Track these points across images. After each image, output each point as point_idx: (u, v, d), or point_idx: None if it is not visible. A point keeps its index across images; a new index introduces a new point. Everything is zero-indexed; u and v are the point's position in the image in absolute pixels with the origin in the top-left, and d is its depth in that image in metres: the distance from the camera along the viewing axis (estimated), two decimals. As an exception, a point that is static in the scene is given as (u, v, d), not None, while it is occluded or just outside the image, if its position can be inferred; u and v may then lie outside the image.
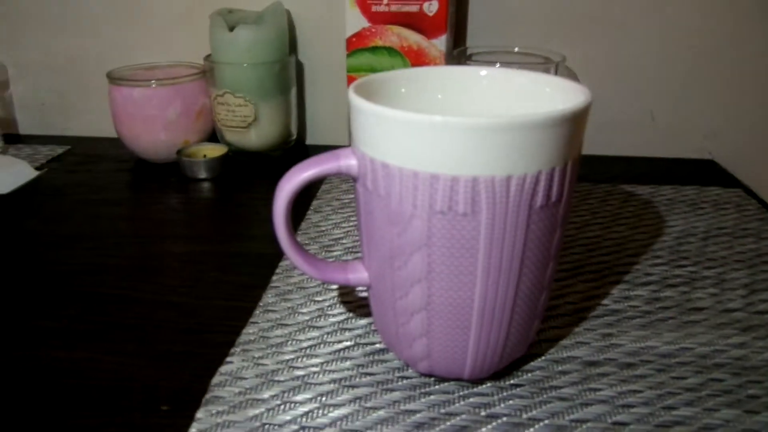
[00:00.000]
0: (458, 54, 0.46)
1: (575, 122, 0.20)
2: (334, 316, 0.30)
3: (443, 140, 0.19)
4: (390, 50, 0.44)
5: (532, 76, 0.26)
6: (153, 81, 0.47)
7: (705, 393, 0.25)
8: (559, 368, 0.27)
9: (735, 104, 0.51)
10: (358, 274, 0.25)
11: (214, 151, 0.49)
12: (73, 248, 0.38)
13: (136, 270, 0.35)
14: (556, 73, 0.43)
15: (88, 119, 0.58)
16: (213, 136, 0.52)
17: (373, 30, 0.44)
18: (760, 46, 0.49)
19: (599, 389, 0.25)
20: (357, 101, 0.21)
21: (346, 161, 0.23)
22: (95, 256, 0.37)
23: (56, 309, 0.31)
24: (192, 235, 0.39)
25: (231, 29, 0.47)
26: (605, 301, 0.31)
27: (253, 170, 0.50)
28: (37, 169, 0.49)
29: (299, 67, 0.54)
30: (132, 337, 0.29)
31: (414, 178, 0.20)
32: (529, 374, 0.26)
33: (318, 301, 0.31)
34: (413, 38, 0.44)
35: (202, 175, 0.48)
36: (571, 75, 0.51)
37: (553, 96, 0.25)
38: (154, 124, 0.48)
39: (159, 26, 0.54)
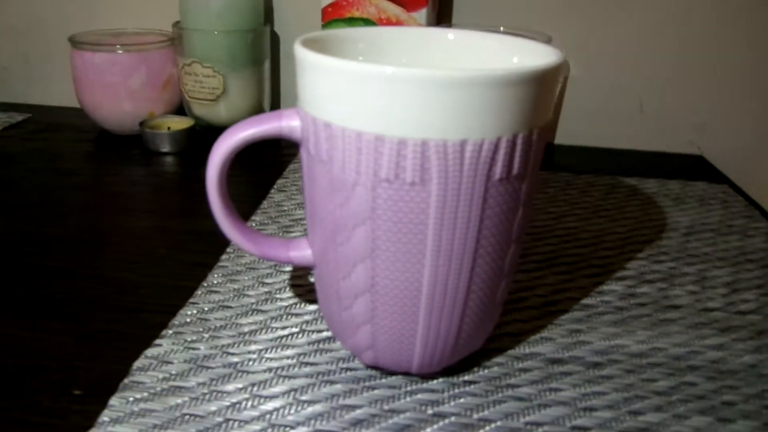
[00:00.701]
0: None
1: (542, 82, 0.18)
2: (282, 300, 0.28)
3: (390, 95, 0.17)
4: (367, 21, 0.42)
5: (503, 38, 0.23)
6: (117, 46, 0.45)
7: (676, 398, 0.23)
8: (520, 365, 0.24)
9: (726, 98, 0.49)
10: (300, 252, 0.22)
11: (180, 123, 0.47)
12: (13, 217, 0.35)
13: (79, 243, 0.32)
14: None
15: (52, 87, 0.55)
16: (180, 109, 0.49)
17: (350, 0, 0.41)
18: (753, 39, 0.47)
19: (560, 389, 0.23)
20: (299, 52, 0.19)
21: (288, 122, 0.20)
22: (36, 226, 0.34)
23: (-19, 280, 0.29)
24: (145, 209, 0.37)
25: (201, -6, 0.44)
26: (576, 295, 0.29)
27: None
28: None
29: (274, 39, 0.51)
30: (59, 313, 0.27)
31: (357, 140, 0.18)
32: (486, 371, 0.24)
33: (267, 284, 0.29)
34: (392, 10, 0.41)
35: (166, 148, 0.45)
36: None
37: (524, 59, 0.22)
38: (117, 93, 0.45)
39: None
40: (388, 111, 0.17)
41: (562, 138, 0.51)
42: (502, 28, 0.43)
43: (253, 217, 0.36)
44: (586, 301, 0.29)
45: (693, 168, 0.47)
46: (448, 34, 0.24)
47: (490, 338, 0.26)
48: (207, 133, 0.48)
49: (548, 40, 0.42)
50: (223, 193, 0.21)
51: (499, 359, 0.25)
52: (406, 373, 0.23)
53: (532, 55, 0.22)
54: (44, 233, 0.33)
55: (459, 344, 0.22)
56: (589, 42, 0.48)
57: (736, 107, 0.49)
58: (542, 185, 0.42)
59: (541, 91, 0.18)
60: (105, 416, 0.21)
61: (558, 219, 0.37)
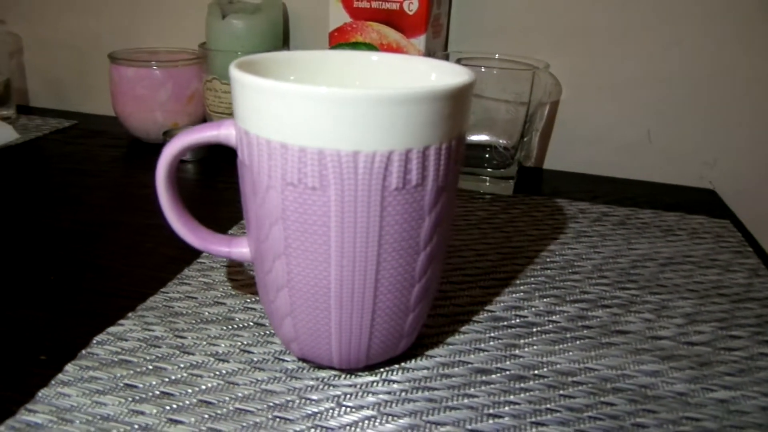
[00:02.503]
0: (441, 57, 0.45)
1: (431, 104, 0.19)
2: (246, 294, 0.30)
3: (289, 109, 0.19)
4: (369, 46, 0.44)
5: (422, 60, 0.25)
6: (151, 62, 0.49)
7: (587, 415, 0.23)
8: (445, 371, 0.25)
9: (739, 131, 0.48)
10: (240, 249, 0.25)
11: (201, 135, 0.50)
12: (31, 208, 0.39)
13: (81, 234, 0.36)
14: (533, 80, 0.42)
15: (98, 97, 0.61)
16: (203, 121, 0.53)
17: (354, 26, 0.44)
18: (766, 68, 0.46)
19: (475, 396, 0.24)
20: (230, 70, 0.21)
21: (226, 130, 0.23)
22: (48, 217, 0.38)
23: (-6, 260, 0.33)
24: (149, 209, 0.40)
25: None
26: (525, 313, 0.30)
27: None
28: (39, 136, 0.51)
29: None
30: (47, 292, 0.30)
31: (267, 147, 0.20)
32: (410, 372, 0.25)
33: (237, 280, 0.32)
34: (392, 36, 0.44)
35: (185, 156, 0.49)
36: (554, 81, 0.49)
37: (441, 80, 0.24)
38: (146, 104, 0.50)
39: (172, 13, 0.56)
40: (289, 122, 0.19)
41: (564, 164, 0.52)
42: (497, 55, 0.45)
43: (242, 222, 0.38)
44: (533, 319, 0.30)
45: (699, 202, 0.46)
46: (372, 57, 0.26)
47: (424, 345, 0.27)
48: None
49: (545, 66, 0.43)
50: (171, 190, 0.24)
51: (426, 363, 0.26)
52: (331, 368, 0.25)
53: (448, 74, 0.23)
54: (57, 225, 0.37)
55: (374, 343, 0.23)
56: (593, 70, 0.49)
57: (751, 141, 0.48)
58: (528, 210, 0.43)
59: (432, 112, 0.20)
60: (58, 379, 0.24)
61: (535, 242, 0.38)
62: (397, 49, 0.44)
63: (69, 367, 0.24)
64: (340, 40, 0.45)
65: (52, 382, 0.23)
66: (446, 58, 0.46)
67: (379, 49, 0.44)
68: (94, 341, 0.26)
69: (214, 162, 0.49)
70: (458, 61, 0.46)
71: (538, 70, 0.42)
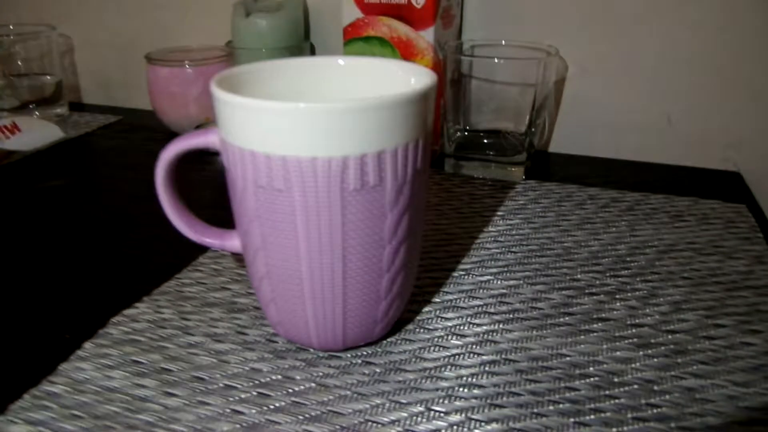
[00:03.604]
0: (456, 47, 0.46)
1: (382, 112, 0.21)
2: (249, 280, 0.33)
3: (252, 120, 0.21)
4: (381, 40, 0.46)
5: (388, 62, 0.27)
6: (183, 62, 0.53)
7: (547, 399, 0.25)
8: (422, 354, 0.27)
9: (766, 111, 0.46)
10: (232, 242, 0.27)
11: (230, 127, 0.54)
12: (70, 196, 0.44)
13: (111, 222, 0.40)
14: (543, 65, 0.42)
15: (143, 94, 0.65)
16: (234, 114, 0.56)
17: (366, 21, 0.46)
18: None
19: (443, 379, 0.26)
20: (211, 86, 0.24)
21: (213, 138, 0.25)
22: (84, 204, 0.42)
23: (23, 244, 0.37)
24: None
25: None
26: (510, 300, 0.31)
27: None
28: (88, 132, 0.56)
29: (313, 52, 0.56)
30: (74, 275, 0.34)
31: (240, 154, 0.22)
32: (389, 356, 0.27)
33: (244, 267, 0.34)
34: (402, 29, 0.45)
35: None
36: (562, 66, 0.49)
37: (407, 82, 0.26)
38: (179, 101, 0.53)
39: (203, 12, 0.60)
40: (255, 133, 0.22)
41: (579, 149, 0.52)
42: (503, 42, 0.45)
43: (258, 211, 0.41)
44: (516, 306, 0.31)
45: (718, 186, 0.45)
46: (339, 60, 0.28)
47: (407, 330, 0.29)
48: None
49: (555, 52, 0.43)
50: (170, 189, 0.27)
51: (405, 347, 0.28)
52: (315, 350, 0.27)
53: (414, 76, 0.25)
54: (94, 214, 0.41)
55: (349, 328, 0.25)
56: (609, 52, 0.48)
57: (776, 123, 0.46)
58: (537, 197, 0.43)
59: (384, 118, 0.21)
60: (76, 354, 0.27)
61: (537, 230, 0.39)
62: (407, 42, 0.45)
63: (87, 345, 0.28)
64: (353, 35, 0.47)
65: (71, 357, 0.27)
66: (459, 47, 0.47)
67: (391, 43, 0.45)
68: (111, 322, 0.29)
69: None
70: (471, 49, 0.47)
71: (548, 55, 0.42)
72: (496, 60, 0.42)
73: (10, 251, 0.37)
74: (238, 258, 0.35)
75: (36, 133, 0.52)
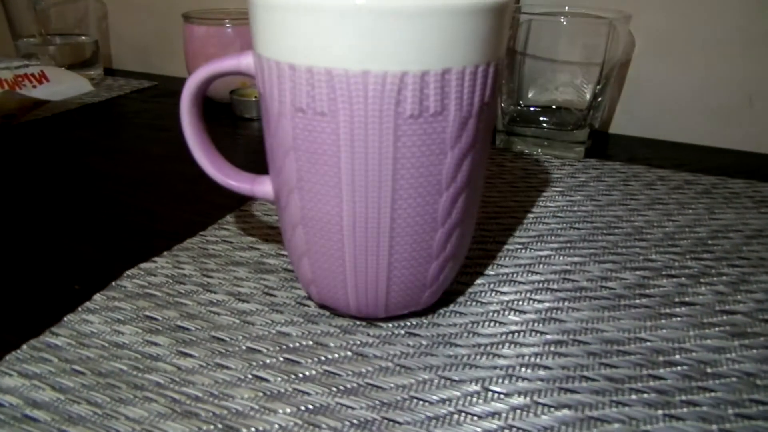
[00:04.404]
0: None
1: (452, 19, 0.17)
2: (280, 240, 0.30)
3: (295, 25, 0.18)
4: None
5: None
6: (224, 20, 0.50)
7: (628, 386, 0.21)
8: (475, 329, 0.23)
9: None
10: (263, 187, 0.24)
11: (266, 94, 0.51)
12: (102, 156, 0.41)
13: (138, 181, 0.37)
14: (609, 34, 0.38)
15: (180, 61, 0.63)
16: (272, 82, 0.53)
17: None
18: None
19: (500, 355, 0.22)
20: (248, -8, 0.20)
21: (246, 60, 0.22)
22: (115, 165, 0.40)
23: (49, 197, 0.34)
24: (208, 161, 0.41)
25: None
26: (576, 278, 0.27)
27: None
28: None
29: None
30: (96, 230, 0.31)
31: (277, 69, 0.19)
32: (436, 328, 0.23)
33: (275, 227, 0.31)
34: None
35: (250, 114, 0.50)
36: (634, 37, 0.44)
37: None
38: (216, 63, 0.51)
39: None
40: (296, 40, 0.18)
41: (644, 130, 0.47)
42: (566, 8, 0.41)
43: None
44: (583, 284, 0.27)
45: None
46: None
47: (456, 302, 0.25)
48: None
49: (626, 19, 0.39)
50: (196, 122, 0.24)
51: (455, 320, 0.24)
52: (351, 316, 0.24)
53: None
54: (118, 172, 0.39)
55: (393, 290, 0.22)
56: (682, 25, 0.43)
57: None
58: (599, 175, 0.39)
59: (454, 27, 0.17)
60: (84, 306, 0.24)
61: (601, 208, 0.34)
62: None
63: (97, 296, 0.25)
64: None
65: (79, 309, 0.24)
66: (518, 10, 0.43)
67: None
68: (126, 274, 0.26)
69: (276, 121, 0.49)
70: (530, 14, 0.43)
71: (616, 21, 0.38)
72: (561, 19, 0.38)
73: (34, 198, 0.34)
74: (270, 219, 0.32)
75: (64, 84, 0.50)
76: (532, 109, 0.42)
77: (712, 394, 0.20)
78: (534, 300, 0.25)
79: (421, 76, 0.18)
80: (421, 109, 0.18)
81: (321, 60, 0.18)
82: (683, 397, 0.20)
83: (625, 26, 0.39)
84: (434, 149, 0.19)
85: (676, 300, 0.26)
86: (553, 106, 0.42)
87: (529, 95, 0.42)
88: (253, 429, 0.19)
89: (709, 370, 0.22)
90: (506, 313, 0.24)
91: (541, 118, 0.42)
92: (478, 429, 0.19)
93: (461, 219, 0.22)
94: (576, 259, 0.29)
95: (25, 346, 0.22)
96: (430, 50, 0.18)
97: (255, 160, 0.41)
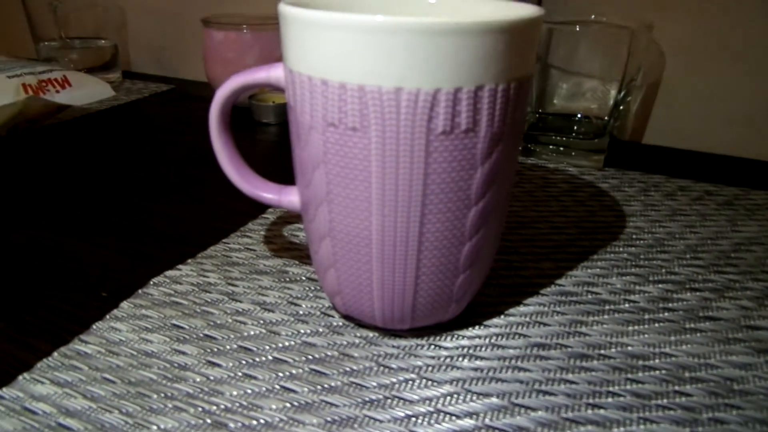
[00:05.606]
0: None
1: (484, 37, 0.17)
2: (302, 249, 0.30)
3: (330, 41, 0.18)
4: None
5: (487, 3, 0.23)
6: (242, 26, 0.50)
7: (655, 403, 0.21)
8: (499, 341, 0.23)
9: None
10: (290, 197, 0.24)
11: (283, 98, 0.51)
12: (121, 159, 0.42)
13: (159, 186, 0.38)
14: (630, 42, 0.38)
15: (199, 65, 0.63)
16: (290, 87, 0.54)
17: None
18: None
19: (527, 370, 0.22)
20: (280, 6, 0.21)
21: (276, 72, 0.22)
22: (135, 169, 0.40)
23: (71, 202, 0.35)
24: (228, 166, 0.41)
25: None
26: (599, 290, 0.27)
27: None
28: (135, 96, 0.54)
29: None
30: (118, 236, 0.31)
31: (309, 84, 0.19)
32: (460, 340, 0.24)
33: (298, 236, 0.31)
34: (478, -5, 0.41)
35: (268, 119, 0.50)
36: (657, 45, 0.44)
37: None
38: (234, 68, 0.51)
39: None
40: (329, 56, 0.18)
41: (665, 139, 0.47)
42: (593, 17, 0.41)
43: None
44: (606, 297, 0.27)
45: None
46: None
47: (479, 313, 0.25)
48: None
49: (648, 27, 0.39)
50: (224, 132, 0.24)
51: (479, 332, 0.24)
52: (375, 327, 0.24)
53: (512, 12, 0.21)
54: (139, 176, 0.39)
55: (420, 303, 0.22)
56: (707, 32, 0.43)
57: None
58: (619, 184, 0.39)
59: (487, 45, 0.18)
60: (112, 314, 0.24)
61: (621, 218, 0.34)
62: None
63: (124, 304, 0.25)
64: None
65: (107, 316, 0.24)
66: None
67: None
68: (152, 282, 0.27)
69: (294, 126, 0.49)
70: (551, 22, 0.43)
71: (637, 31, 0.38)
72: (583, 28, 0.38)
73: (58, 204, 0.35)
74: (293, 227, 0.32)
75: (86, 89, 0.50)
76: (552, 117, 0.42)
77: (739, 411, 0.20)
78: (557, 312, 0.25)
79: (454, 93, 0.18)
80: (452, 126, 0.18)
81: (354, 76, 0.18)
82: (710, 414, 0.20)
83: (647, 35, 0.39)
84: (465, 165, 0.19)
85: (701, 314, 0.26)
86: (575, 116, 0.42)
87: (550, 104, 0.42)
88: (282, 441, 0.19)
89: (736, 386, 0.22)
90: (529, 326, 0.25)
91: (562, 127, 0.42)
92: (505, 444, 0.19)
93: (488, 233, 0.22)
94: (598, 270, 0.29)
95: (56, 354, 0.22)
96: (463, 68, 0.18)
97: (274, 165, 0.41)
